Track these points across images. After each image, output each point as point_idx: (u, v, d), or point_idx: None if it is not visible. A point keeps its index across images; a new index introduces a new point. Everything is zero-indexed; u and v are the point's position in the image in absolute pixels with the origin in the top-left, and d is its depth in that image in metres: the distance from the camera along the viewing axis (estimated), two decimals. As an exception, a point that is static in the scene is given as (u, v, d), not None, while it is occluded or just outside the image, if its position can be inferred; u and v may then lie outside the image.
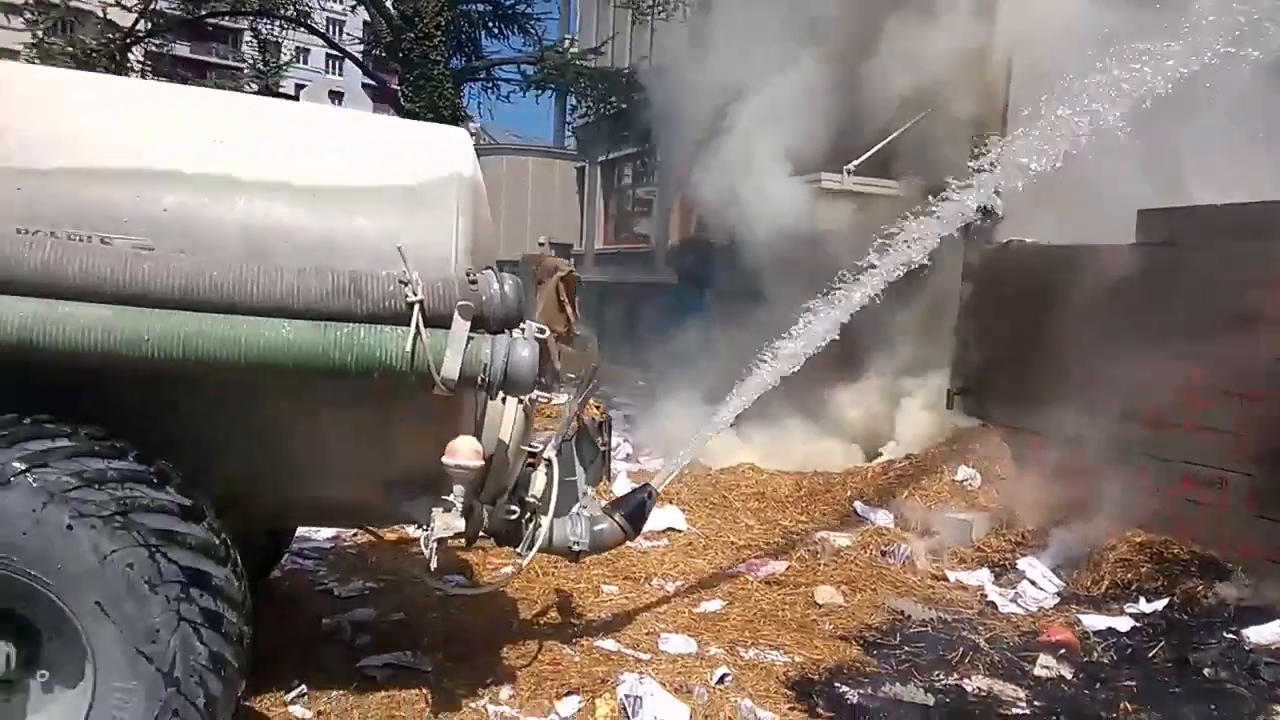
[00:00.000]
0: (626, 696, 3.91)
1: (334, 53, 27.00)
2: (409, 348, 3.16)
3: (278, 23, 17.29)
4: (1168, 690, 4.32)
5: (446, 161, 3.62)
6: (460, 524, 3.49)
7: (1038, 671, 4.57)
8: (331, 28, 21.94)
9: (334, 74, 53.39)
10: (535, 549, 4.10)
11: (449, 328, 3.25)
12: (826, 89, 8.20)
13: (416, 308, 3.19)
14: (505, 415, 3.85)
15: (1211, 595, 5.28)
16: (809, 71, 8.39)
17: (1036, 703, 4.25)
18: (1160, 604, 5.37)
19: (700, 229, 10.88)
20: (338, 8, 19.22)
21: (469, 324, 3.26)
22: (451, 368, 3.21)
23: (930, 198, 5.56)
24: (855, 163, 8.56)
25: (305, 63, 43.40)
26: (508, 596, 5.14)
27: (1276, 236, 5.62)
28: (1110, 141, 5.29)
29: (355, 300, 3.18)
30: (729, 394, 5.23)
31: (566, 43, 20.10)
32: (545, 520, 4.13)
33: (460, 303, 3.25)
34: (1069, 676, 4.54)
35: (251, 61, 19.38)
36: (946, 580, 5.96)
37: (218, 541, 2.95)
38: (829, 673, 4.51)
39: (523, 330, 3.47)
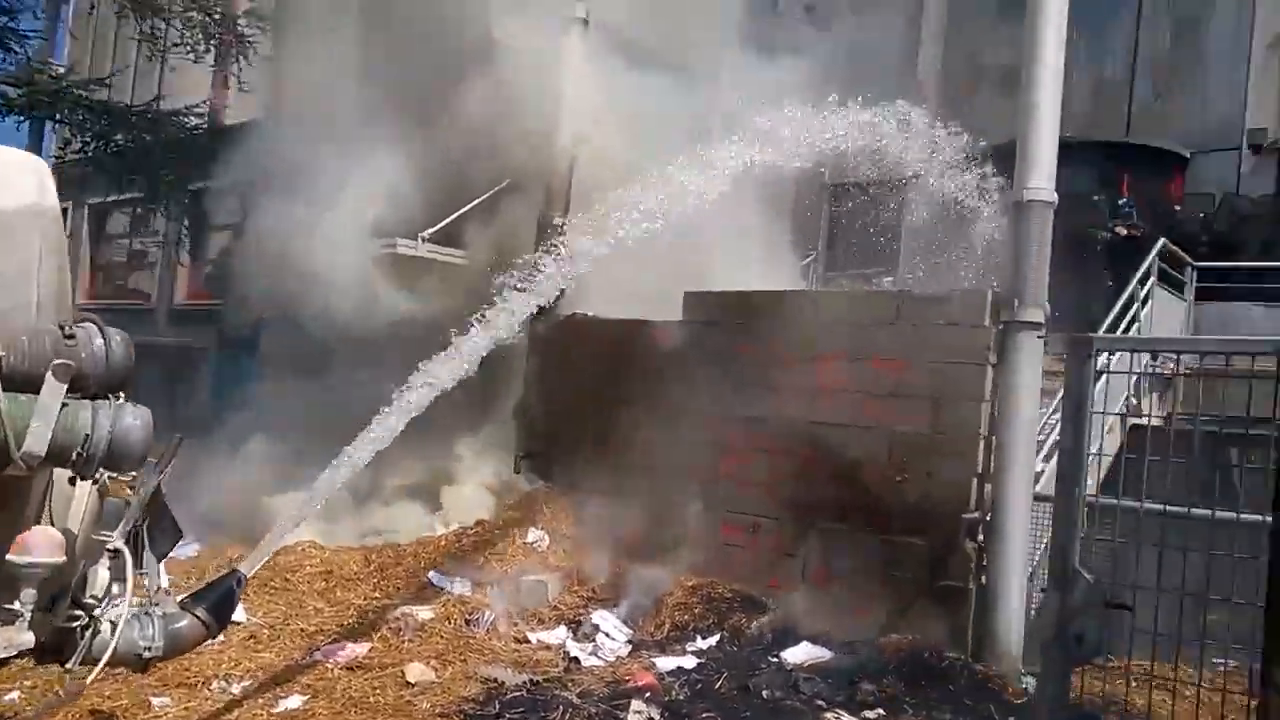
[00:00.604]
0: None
1: None
2: (-14, 415, 2.56)
3: None
4: (742, 713, 4.88)
5: (21, 191, 3.01)
6: (29, 638, 2.84)
7: (630, 718, 4.88)
8: None
9: None
10: (103, 662, 3.40)
11: (37, 391, 2.69)
12: (406, 155, 8.24)
13: (-9, 366, 2.60)
14: (76, 497, 3.24)
15: (754, 626, 6.09)
16: (386, 137, 8.36)
17: (638, 745, 4.54)
18: (714, 639, 6.05)
19: (247, 288, 10.07)
20: None
21: (65, 387, 2.72)
22: (38, 441, 2.65)
23: (492, 270, 5.91)
24: (430, 231, 8.66)
25: None
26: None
27: (786, 319, 6.80)
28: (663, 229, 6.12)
29: (-104, 356, 2.51)
30: (321, 471, 4.91)
31: (57, 69, 17.59)
32: (111, 625, 3.47)
33: (56, 361, 2.70)
34: (657, 717, 4.91)
35: None
36: (529, 642, 6.11)
37: None
38: (440, 752, 4.39)
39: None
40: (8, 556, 2.72)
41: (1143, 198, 11.92)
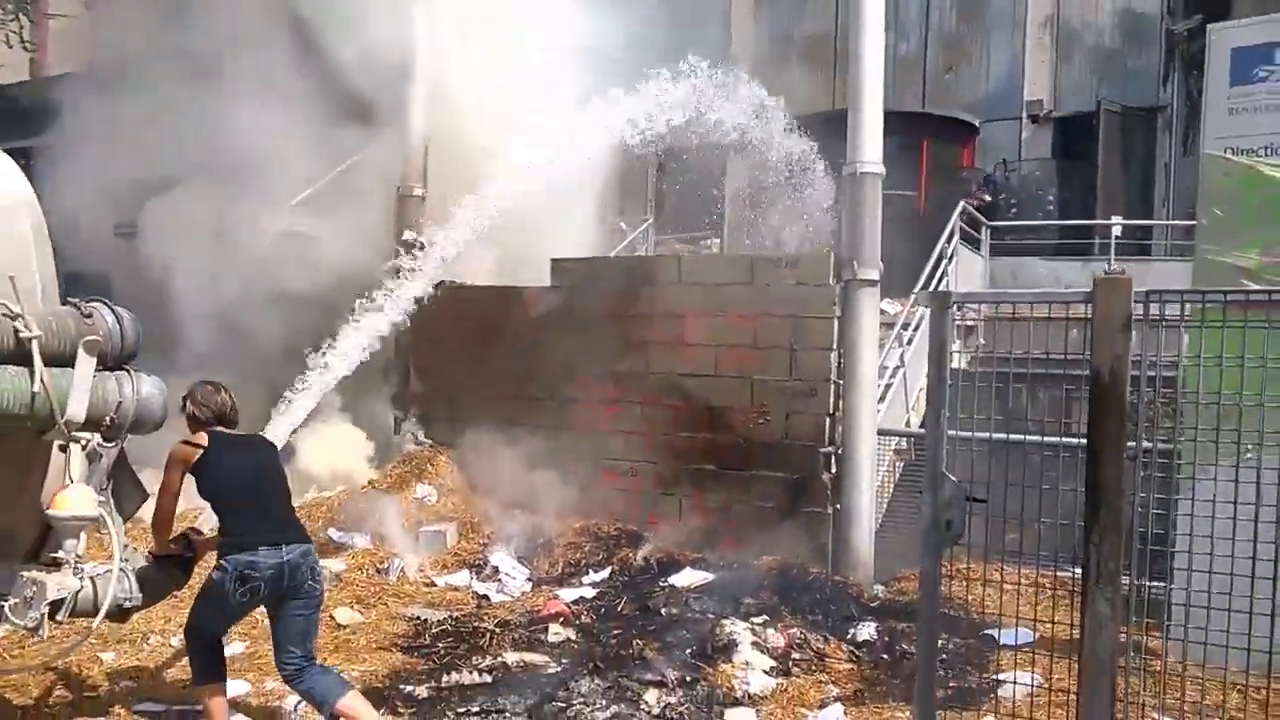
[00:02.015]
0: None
1: None
2: (31, 388, 2.83)
3: None
4: (647, 627, 5.56)
5: (8, 185, 3.22)
6: (75, 583, 3.12)
7: (551, 639, 5.47)
8: None
9: None
10: (102, 613, 3.65)
11: (63, 365, 2.96)
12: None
13: (35, 344, 2.86)
14: (71, 461, 3.48)
15: (640, 558, 6.79)
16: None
17: (564, 660, 5.13)
18: (605, 573, 6.70)
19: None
20: None
21: (95, 361, 3.00)
22: (78, 409, 2.95)
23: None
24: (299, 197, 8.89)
25: None
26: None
27: (651, 282, 7.47)
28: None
29: (-49, 337, 2.74)
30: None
31: None
32: (93, 581, 3.73)
33: (88, 338, 2.97)
34: (574, 637, 5.53)
35: None
36: (437, 585, 6.57)
37: None
38: (389, 679, 4.85)
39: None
40: (49, 512, 2.98)
41: (940, 163, 13.38)
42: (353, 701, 3.90)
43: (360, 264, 8.38)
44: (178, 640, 5.23)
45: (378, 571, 6.53)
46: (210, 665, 3.97)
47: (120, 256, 9.69)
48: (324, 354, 7.35)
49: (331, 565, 6.41)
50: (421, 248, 8.25)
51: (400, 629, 5.63)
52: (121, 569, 3.90)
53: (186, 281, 9.04)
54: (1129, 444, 3.16)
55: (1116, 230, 10.28)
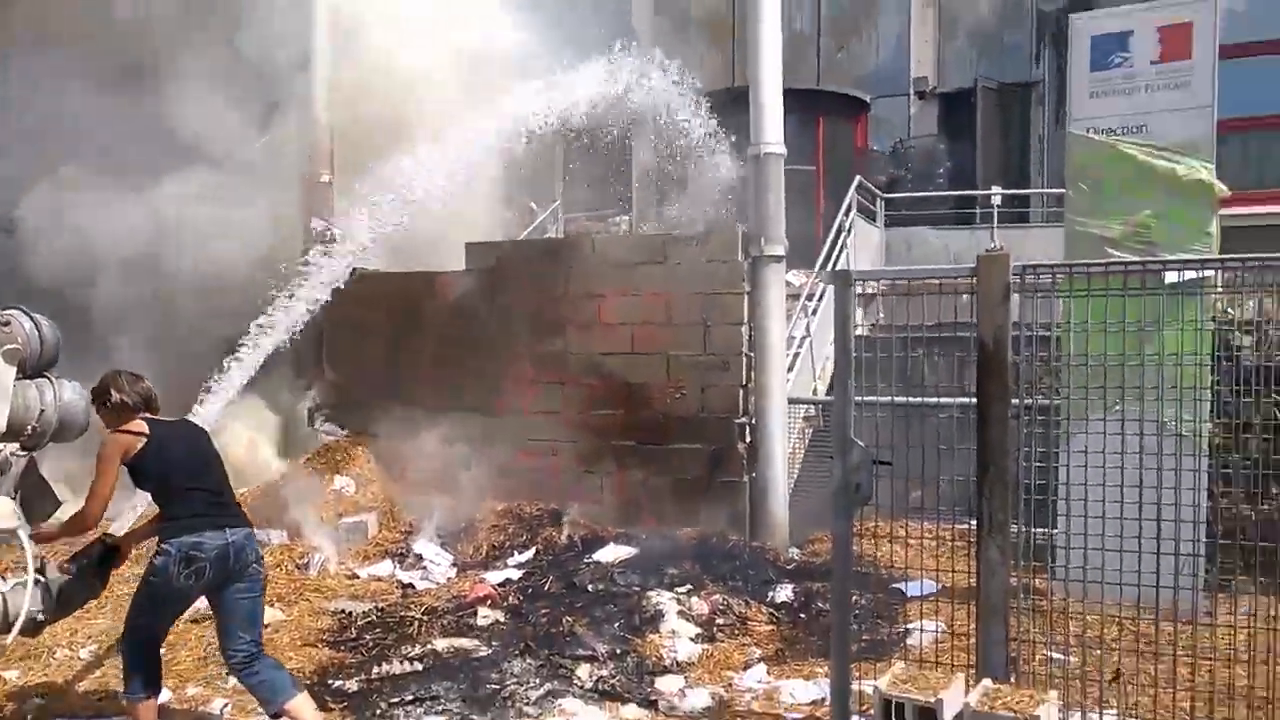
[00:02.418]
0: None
1: None
2: (-51, 402, 2.82)
3: None
4: (575, 604, 5.72)
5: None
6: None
7: (480, 622, 5.58)
8: None
9: None
10: (15, 630, 3.60)
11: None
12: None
13: (-50, 356, 2.84)
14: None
15: (564, 537, 6.94)
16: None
17: (494, 643, 5.25)
18: (529, 553, 6.83)
19: None
20: None
21: (15, 369, 3.00)
22: (0, 419, 2.94)
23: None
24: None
25: None
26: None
27: (566, 263, 7.59)
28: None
29: None
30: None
31: None
32: (3, 597, 3.67)
33: (6, 347, 2.97)
34: (503, 619, 5.65)
35: None
36: (360, 577, 6.59)
37: None
38: (317, 675, 4.88)
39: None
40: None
41: (835, 139, 13.79)
42: (302, 704, 3.85)
43: (268, 252, 8.29)
44: (86, 653, 5.20)
45: (297, 567, 6.52)
46: (149, 674, 3.85)
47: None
48: (240, 346, 7.27)
49: (252, 562, 6.38)
50: (331, 236, 8.20)
51: (325, 624, 5.66)
52: (36, 581, 3.85)
53: (78, 275, 8.77)
54: (1013, 402, 3.46)
55: (996, 199, 10.82)
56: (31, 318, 3.11)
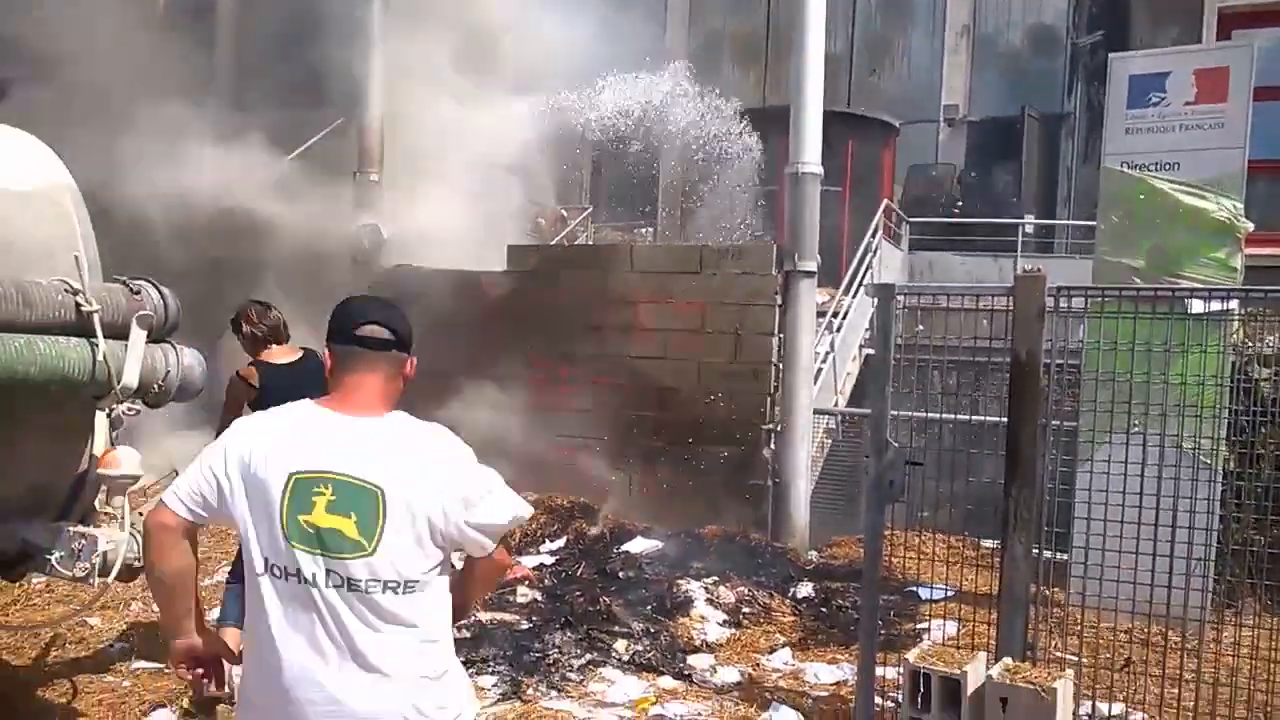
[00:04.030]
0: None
1: None
2: (93, 358, 3.15)
3: None
4: (608, 588, 6.02)
5: (50, 167, 3.51)
6: (124, 536, 3.42)
7: (520, 599, 5.89)
8: None
9: None
10: (114, 573, 3.92)
11: (116, 337, 3.28)
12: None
13: (96, 318, 3.17)
14: (98, 425, 3.78)
15: (594, 529, 7.25)
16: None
17: (534, 618, 5.56)
18: (561, 542, 7.14)
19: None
20: None
21: (146, 333, 3.33)
22: (132, 378, 3.26)
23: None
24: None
25: None
26: None
27: (607, 269, 7.91)
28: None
29: (23, 310, 3.04)
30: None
31: None
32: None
33: (140, 313, 3.29)
34: (541, 598, 5.96)
35: None
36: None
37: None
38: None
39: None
40: (101, 470, 3.29)
41: (863, 161, 14.10)
42: None
43: (319, 248, 8.63)
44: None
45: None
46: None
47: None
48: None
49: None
50: (378, 232, 8.56)
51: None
52: (132, 533, 4.20)
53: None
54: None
55: (1029, 229, 11.10)
56: (158, 288, 3.43)
